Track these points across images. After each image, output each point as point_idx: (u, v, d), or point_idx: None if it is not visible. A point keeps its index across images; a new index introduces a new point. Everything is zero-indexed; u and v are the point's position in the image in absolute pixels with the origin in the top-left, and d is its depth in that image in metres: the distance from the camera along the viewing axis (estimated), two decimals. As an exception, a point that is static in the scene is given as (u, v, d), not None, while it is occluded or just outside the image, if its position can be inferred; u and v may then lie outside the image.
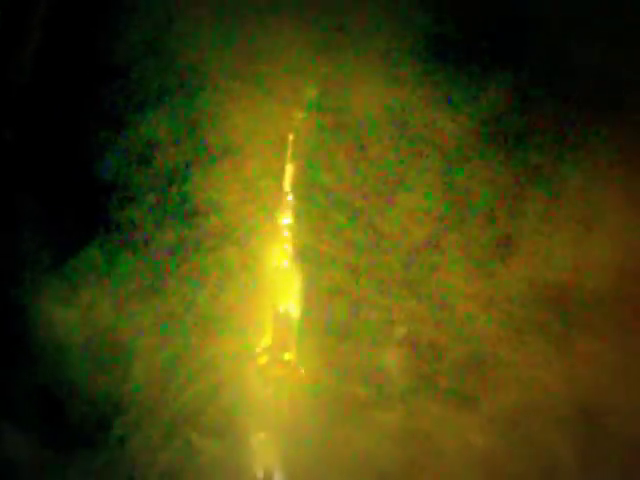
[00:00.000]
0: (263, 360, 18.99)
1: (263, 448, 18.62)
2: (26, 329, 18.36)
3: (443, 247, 19.54)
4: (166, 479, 18.48)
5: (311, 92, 19.97)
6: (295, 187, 19.71)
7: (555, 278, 19.36)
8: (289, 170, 19.81)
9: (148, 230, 19.11)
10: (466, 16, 19.92)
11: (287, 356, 19.11)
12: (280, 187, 19.59)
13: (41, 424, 18.30)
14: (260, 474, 18.54)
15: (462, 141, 19.70)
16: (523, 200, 19.61)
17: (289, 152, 19.77)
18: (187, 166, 19.25)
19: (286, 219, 19.55)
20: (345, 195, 19.59)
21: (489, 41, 19.80)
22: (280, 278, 19.38)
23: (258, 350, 18.99)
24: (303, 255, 19.43)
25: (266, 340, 19.08)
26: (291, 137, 19.73)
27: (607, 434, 18.54)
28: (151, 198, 19.06)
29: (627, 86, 19.55)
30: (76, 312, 18.66)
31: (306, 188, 19.61)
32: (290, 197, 19.66)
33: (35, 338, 18.45)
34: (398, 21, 19.97)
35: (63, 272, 18.74)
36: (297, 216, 19.56)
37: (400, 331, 19.23)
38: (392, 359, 19.07)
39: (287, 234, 19.60)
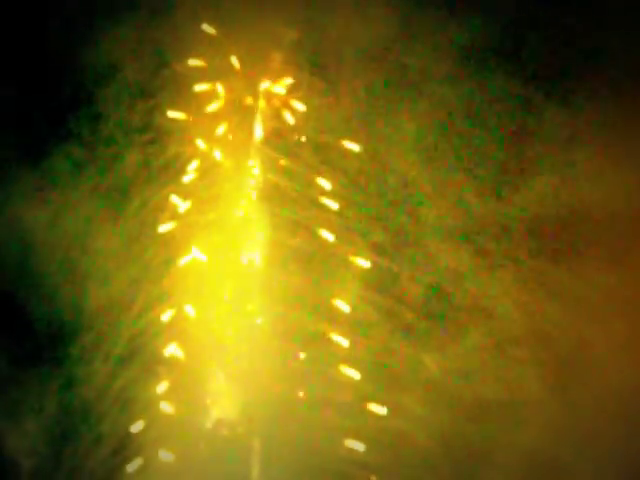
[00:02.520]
0: (227, 310, 18.84)
1: (219, 389, 18.65)
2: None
3: (417, 183, 19.19)
4: (121, 404, 18.35)
5: (291, 34, 19.46)
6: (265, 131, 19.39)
7: (530, 214, 19.08)
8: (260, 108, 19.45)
9: (114, 148, 18.65)
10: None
11: (249, 307, 19.03)
12: (251, 127, 19.25)
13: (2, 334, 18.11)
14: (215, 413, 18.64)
15: (441, 69, 19.21)
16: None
17: (262, 90, 19.37)
18: (153, 87, 18.72)
19: (251, 161, 19.23)
20: (316, 136, 19.20)
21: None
22: (244, 226, 19.18)
23: (220, 299, 18.83)
24: (268, 196, 19.16)
25: (228, 290, 18.93)
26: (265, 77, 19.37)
27: (567, 361, 18.60)
28: (117, 115, 18.55)
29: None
30: (44, 214, 18.23)
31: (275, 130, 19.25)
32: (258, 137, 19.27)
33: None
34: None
35: (34, 173, 18.37)
36: (263, 159, 19.20)
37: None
38: (353, 294, 18.88)
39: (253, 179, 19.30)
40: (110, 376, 18.26)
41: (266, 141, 19.33)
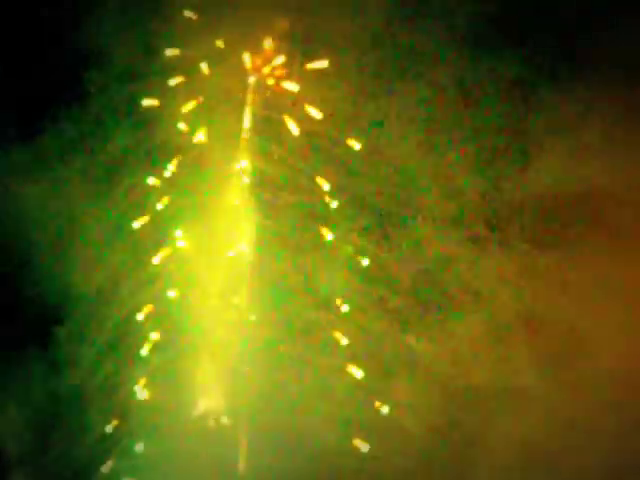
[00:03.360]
0: (214, 302, 18.69)
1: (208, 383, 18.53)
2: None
3: (408, 167, 18.97)
4: (107, 390, 18.21)
5: (282, 21, 19.36)
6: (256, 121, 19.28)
7: (523, 199, 18.85)
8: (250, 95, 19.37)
9: (100, 131, 18.56)
10: None
11: (237, 300, 18.90)
12: (240, 119, 19.15)
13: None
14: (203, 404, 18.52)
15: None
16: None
17: (254, 78, 19.26)
18: (140, 74, 18.62)
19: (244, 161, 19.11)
20: (305, 122, 19.06)
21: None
22: (234, 223, 18.97)
23: (210, 292, 18.69)
24: (256, 183, 19.02)
25: (218, 283, 18.76)
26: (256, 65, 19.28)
27: (561, 346, 18.39)
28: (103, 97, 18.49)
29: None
30: (37, 188, 18.15)
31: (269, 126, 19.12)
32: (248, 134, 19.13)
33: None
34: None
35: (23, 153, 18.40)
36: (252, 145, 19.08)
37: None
38: (342, 281, 18.68)
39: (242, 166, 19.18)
40: (96, 362, 18.14)
41: (255, 128, 19.19)
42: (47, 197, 18.14)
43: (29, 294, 17.98)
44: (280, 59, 19.15)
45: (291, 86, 18.90)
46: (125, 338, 18.30)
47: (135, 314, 18.26)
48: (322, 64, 18.81)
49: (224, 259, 18.69)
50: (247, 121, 19.06)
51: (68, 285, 17.98)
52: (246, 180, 18.93)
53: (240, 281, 18.82)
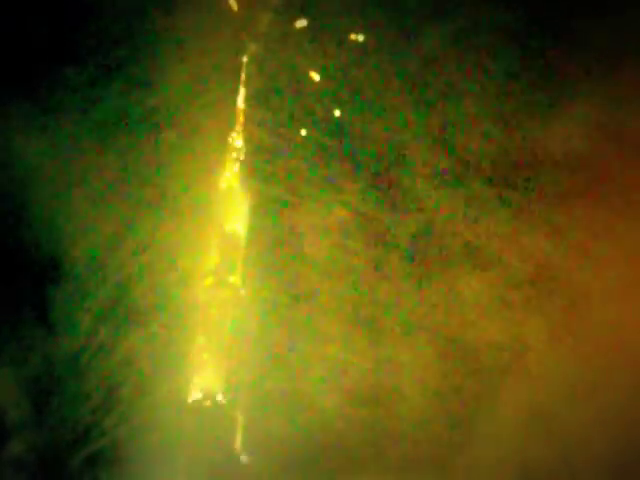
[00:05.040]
0: (209, 282, 18.61)
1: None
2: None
3: (405, 123, 18.74)
4: (99, 360, 18.09)
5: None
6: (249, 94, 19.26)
7: (523, 154, 18.50)
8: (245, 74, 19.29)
9: (90, 93, 18.48)
10: None
11: (232, 279, 18.81)
12: (234, 94, 19.14)
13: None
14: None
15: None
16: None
17: (247, 55, 19.20)
18: (133, 37, 18.65)
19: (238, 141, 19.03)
20: (307, 103, 19.03)
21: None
22: (227, 199, 18.89)
23: (204, 271, 18.61)
24: (249, 150, 18.96)
25: (212, 261, 18.71)
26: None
27: (567, 306, 18.05)
28: (91, 64, 18.55)
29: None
30: (36, 142, 18.08)
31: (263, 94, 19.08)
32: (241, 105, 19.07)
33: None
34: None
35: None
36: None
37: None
38: (338, 243, 18.50)
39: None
40: (93, 326, 18.08)
41: (248, 97, 19.10)
42: (42, 155, 18.07)
43: (23, 255, 17.90)
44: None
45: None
46: (121, 302, 18.20)
47: (130, 280, 18.18)
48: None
49: (219, 232, 18.64)
50: (241, 90, 18.98)
51: (63, 247, 17.91)
52: (240, 146, 18.83)
53: (235, 255, 18.72)
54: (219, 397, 18.31)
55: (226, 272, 18.72)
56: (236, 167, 18.76)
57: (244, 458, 18.09)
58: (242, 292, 18.65)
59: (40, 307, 17.91)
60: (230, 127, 18.85)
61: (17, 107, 17.97)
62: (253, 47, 19.06)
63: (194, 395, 18.30)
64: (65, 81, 18.24)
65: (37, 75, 18.16)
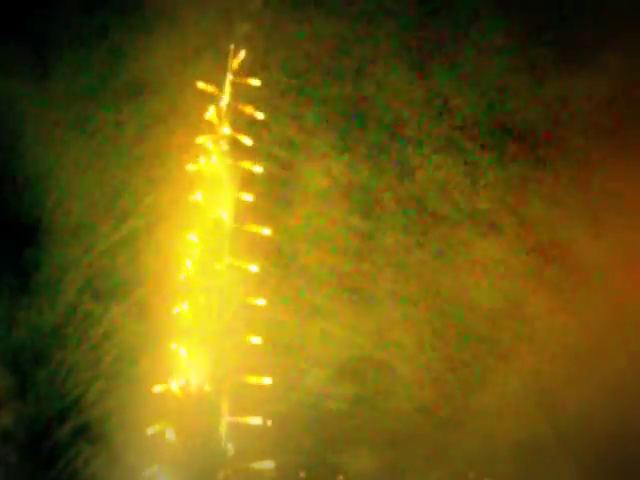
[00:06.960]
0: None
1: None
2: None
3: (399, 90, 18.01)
4: (83, 331, 17.83)
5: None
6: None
7: (521, 118, 17.80)
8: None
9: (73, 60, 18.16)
10: None
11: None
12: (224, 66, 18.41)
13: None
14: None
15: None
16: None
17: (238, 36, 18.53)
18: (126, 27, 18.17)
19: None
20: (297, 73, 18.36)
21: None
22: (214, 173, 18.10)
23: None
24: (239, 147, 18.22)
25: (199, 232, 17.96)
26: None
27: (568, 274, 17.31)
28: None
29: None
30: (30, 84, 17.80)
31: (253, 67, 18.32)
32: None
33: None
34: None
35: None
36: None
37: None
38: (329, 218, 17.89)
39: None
40: (76, 299, 17.76)
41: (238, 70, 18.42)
42: (28, 119, 17.73)
43: (6, 217, 17.54)
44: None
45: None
46: (106, 272, 17.81)
47: (116, 249, 17.79)
48: None
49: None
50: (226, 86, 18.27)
51: (48, 211, 17.56)
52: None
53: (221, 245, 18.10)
54: (206, 387, 17.65)
55: (213, 245, 18.03)
56: (224, 143, 18.00)
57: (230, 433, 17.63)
58: (230, 265, 17.97)
59: (23, 274, 17.53)
60: (217, 100, 18.10)
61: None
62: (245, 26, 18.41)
63: (180, 372, 17.70)
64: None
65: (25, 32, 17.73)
